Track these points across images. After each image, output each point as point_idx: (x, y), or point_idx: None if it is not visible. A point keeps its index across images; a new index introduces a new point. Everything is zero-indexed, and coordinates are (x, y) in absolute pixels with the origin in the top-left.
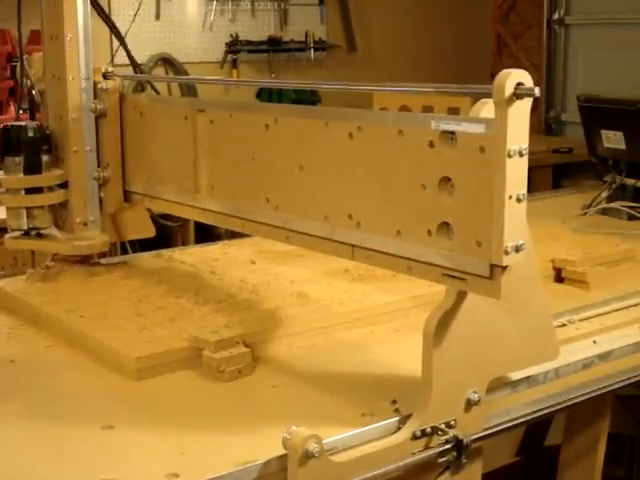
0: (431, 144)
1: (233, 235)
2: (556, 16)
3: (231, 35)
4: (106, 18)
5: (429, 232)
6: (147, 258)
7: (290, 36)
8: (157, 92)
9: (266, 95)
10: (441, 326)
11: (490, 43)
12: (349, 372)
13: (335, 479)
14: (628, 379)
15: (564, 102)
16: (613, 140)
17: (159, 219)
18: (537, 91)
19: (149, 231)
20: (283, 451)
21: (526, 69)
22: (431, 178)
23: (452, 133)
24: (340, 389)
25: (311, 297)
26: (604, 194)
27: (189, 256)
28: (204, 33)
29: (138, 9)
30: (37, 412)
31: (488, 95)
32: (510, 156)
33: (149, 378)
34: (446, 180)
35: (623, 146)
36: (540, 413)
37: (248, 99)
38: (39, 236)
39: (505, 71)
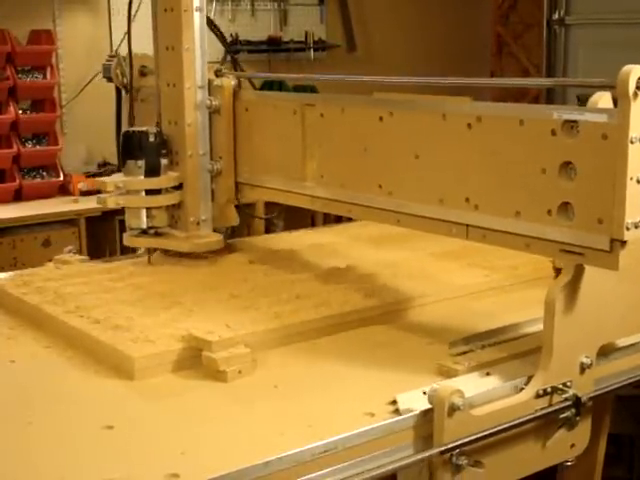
0: (553, 132)
1: (231, 236)
2: (556, 16)
3: (231, 35)
4: (216, 29)
5: (549, 212)
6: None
7: (290, 36)
8: (255, 87)
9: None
10: (560, 297)
11: (490, 43)
12: (349, 371)
13: (473, 430)
14: (628, 379)
15: (564, 102)
16: None
17: (247, 210)
18: None
19: (234, 220)
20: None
21: (526, 69)
22: (551, 163)
23: (574, 122)
24: (340, 388)
25: (312, 296)
26: None
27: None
28: None
29: (138, 9)
30: (37, 412)
31: (606, 88)
32: (632, 142)
33: (149, 378)
34: (566, 164)
35: None
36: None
37: None
38: (157, 235)
39: (627, 67)
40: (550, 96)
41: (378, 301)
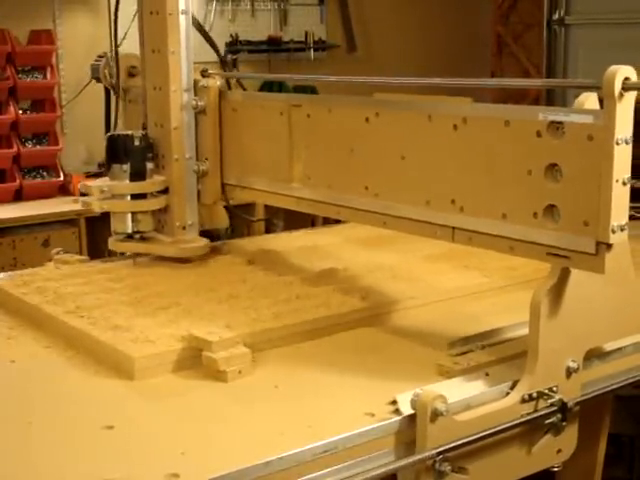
0: (538, 133)
1: (230, 237)
2: (556, 16)
3: (231, 35)
4: (206, 35)
5: (535, 214)
6: (144, 260)
7: (290, 36)
8: (244, 88)
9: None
10: (546, 300)
11: (490, 43)
12: (349, 371)
13: (456, 435)
14: (628, 379)
15: (564, 102)
16: None
17: (238, 211)
18: None
19: (224, 221)
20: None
21: (526, 69)
22: (537, 164)
23: (560, 123)
24: (340, 388)
25: (311, 297)
26: None
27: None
28: None
29: (137, 11)
30: (37, 412)
31: (592, 89)
32: (618, 144)
33: (149, 378)
34: (552, 166)
35: None
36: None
37: None
38: (142, 239)
39: (613, 67)
40: (550, 97)
41: (377, 302)
